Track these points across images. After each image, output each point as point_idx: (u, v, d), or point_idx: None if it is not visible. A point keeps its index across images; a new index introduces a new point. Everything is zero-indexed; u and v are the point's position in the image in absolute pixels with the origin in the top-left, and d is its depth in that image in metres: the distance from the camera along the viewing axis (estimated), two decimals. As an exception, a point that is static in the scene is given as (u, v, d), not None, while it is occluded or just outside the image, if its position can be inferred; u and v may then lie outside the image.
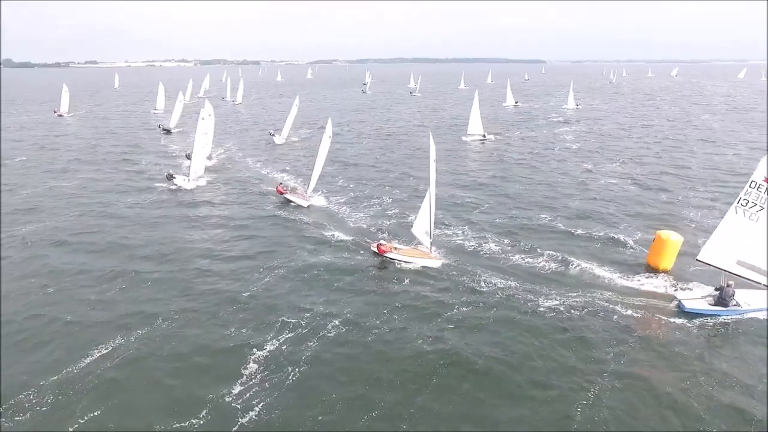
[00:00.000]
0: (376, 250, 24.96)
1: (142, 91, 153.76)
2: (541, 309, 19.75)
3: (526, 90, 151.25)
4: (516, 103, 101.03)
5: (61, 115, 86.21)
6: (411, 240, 26.33)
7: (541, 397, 14.93)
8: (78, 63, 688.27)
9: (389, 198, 35.94)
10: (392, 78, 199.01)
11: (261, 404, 14.56)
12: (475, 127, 59.24)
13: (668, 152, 52.01)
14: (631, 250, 25.77)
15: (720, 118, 78.88)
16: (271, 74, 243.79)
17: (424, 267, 23.93)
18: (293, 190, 35.81)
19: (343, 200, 35.37)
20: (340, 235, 28.12)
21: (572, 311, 19.57)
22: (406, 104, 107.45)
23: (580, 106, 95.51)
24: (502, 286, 21.79)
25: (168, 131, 65.10)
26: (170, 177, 39.17)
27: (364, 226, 30.01)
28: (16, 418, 14.13)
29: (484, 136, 58.89)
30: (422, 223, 25.03)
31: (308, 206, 33.51)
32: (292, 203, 34.06)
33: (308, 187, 35.00)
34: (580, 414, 14.19)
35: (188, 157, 44.52)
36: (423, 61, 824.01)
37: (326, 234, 28.46)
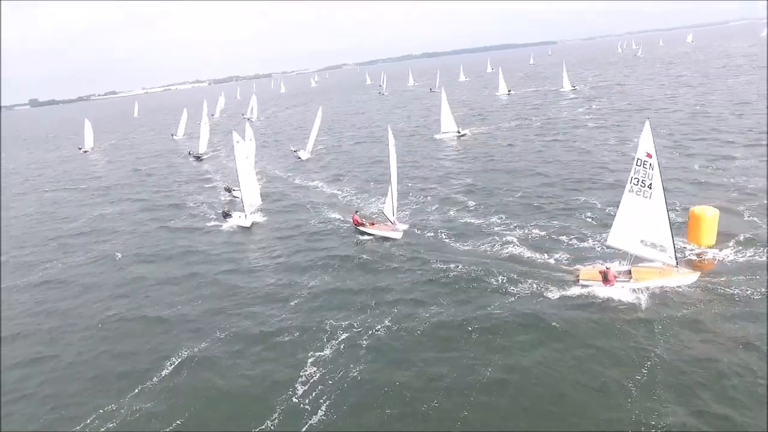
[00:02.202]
0: (602, 281, 18.84)
1: (161, 117, 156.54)
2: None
3: (530, 75, 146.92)
4: (509, 91, 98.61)
5: (86, 152, 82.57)
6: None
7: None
8: (99, 95, 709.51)
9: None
10: (403, 76, 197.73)
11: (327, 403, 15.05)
12: (448, 124, 58.80)
13: (697, 119, 50.80)
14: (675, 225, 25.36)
15: (747, 80, 76.52)
16: (279, 86, 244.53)
17: (666, 287, 19.03)
18: (373, 220, 29.69)
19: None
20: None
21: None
22: (430, 101, 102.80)
23: (576, 88, 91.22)
24: (543, 261, 21.91)
25: (198, 158, 62.39)
26: (226, 215, 34.63)
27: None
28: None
29: (458, 131, 58.11)
30: (635, 231, 19.42)
31: (401, 235, 27.88)
32: (375, 236, 27.95)
33: (391, 211, 28.81)
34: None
35: (228, 190, 41.57)
36: (432, 56, 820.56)
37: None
